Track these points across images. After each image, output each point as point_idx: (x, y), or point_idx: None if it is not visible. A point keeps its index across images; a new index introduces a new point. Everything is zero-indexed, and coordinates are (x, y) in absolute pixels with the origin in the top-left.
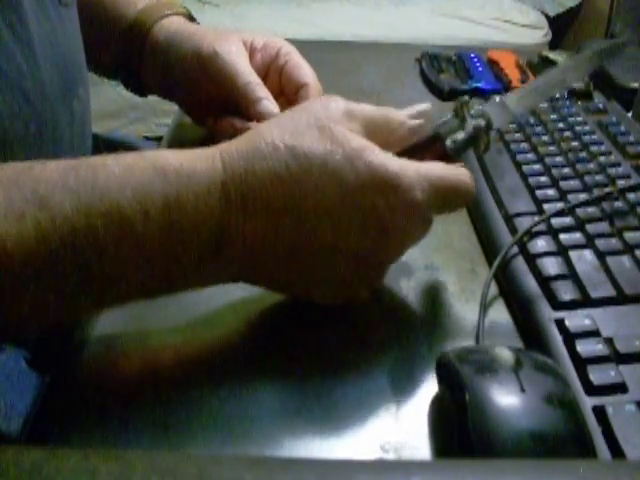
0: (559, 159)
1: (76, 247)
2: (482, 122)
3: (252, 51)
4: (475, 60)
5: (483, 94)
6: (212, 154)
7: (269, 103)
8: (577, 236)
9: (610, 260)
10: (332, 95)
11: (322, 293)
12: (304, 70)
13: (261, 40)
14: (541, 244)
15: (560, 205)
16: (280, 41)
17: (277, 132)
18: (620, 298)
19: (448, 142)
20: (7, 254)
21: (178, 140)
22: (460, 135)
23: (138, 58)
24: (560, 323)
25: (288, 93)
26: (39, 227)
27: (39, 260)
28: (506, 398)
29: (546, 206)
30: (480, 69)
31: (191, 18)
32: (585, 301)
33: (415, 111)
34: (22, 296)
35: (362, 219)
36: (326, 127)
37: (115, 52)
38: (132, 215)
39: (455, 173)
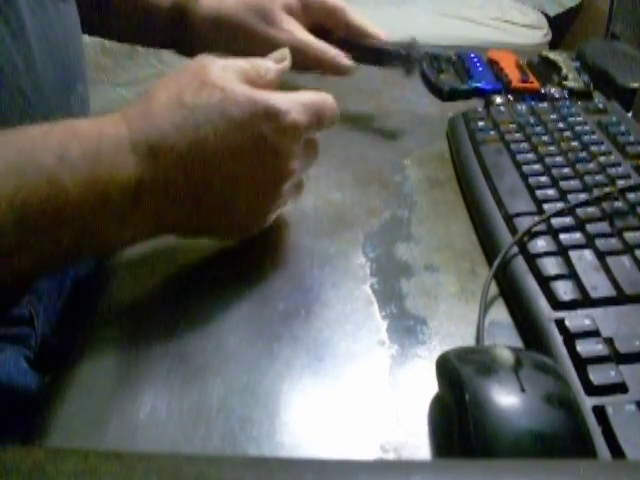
0: (559, 159)
1: (10, 203)
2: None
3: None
4: (475, 60)
5: (483, 94)
6: (113, 119)
7: (342, 57)
8: (577, 236)
9: (610, 260)
10: (208, 55)
11: (236, 226)
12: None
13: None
14: (541, 244)
15: (560, 205)
16: None
17: (165, 94)
18: (620, 298)
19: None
20: None
21: None
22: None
23: (188, 39)
24: (560, 323)
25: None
26: None
27: None
28: (506, 398)
29: (546, 206)
30: (480, 69)
31: None
32: (585, 301)
33: (279, 54)
34: None
35: (256, 146)
36: (206, 80)
37: (162, 37)
38: (60, 172)
39: (319, 95)
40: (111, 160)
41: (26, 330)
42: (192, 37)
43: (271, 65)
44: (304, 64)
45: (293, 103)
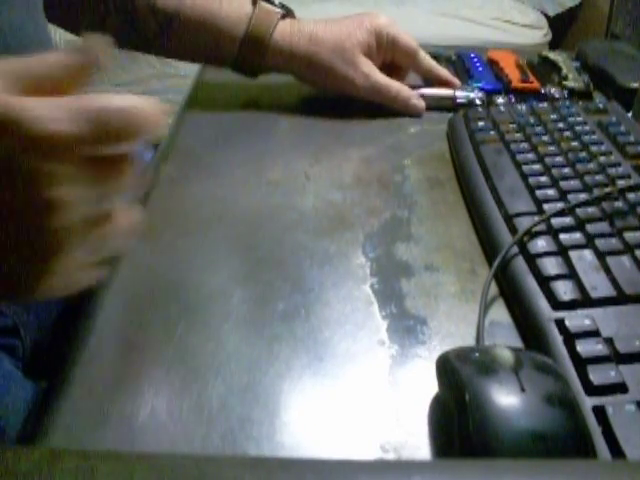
0: (559, 159)
1: None
2: None
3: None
4: (475, 60)
5: None
6: None
7: (415, 98)
8: (577, 236)
9: (610, 260)
10: None
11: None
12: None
13: (373, 39)
14: (541, 244)
15: (560, 205)
16: (381, 28)
17: None
18: (620, 298)
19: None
20: None
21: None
22: None
23: (257, 67)
24: (560, 323)
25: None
26: None
27: None
28: (506, 398)
29: (546, 206)
30: (480, 69)
31: (288, 12)
32: (585, 301)
33: (85, 43)
34: None
35: None
36: None
37: (227, 62)
38: None
39: (110, 98)
40: None
41: (12, 341)
42: (262, 67)
43: (59, 58)
44: (379, 102)
45: (53, 108)
